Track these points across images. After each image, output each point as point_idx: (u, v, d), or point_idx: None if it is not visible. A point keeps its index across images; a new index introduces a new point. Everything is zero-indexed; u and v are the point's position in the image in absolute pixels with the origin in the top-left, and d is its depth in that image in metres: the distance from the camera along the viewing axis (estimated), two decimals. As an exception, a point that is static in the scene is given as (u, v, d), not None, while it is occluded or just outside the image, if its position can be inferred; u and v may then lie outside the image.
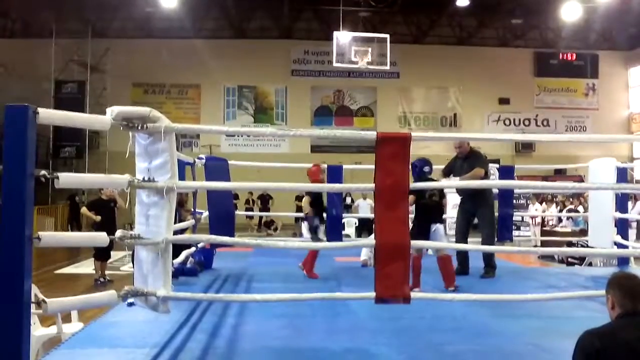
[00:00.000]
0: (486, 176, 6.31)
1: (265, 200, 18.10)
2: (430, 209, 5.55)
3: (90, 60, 19.85)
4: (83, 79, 19.92)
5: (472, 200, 6.32)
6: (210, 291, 5.43)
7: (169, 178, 3.30)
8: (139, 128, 3.24)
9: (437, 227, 5.52)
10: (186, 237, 5.19)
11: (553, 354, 3.48)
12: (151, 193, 3.35)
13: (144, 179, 3.32)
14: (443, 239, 5.62)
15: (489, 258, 6.30)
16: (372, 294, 3.49)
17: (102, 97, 19.65)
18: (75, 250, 11.56)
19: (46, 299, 2.79)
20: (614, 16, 19.28)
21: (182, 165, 5.80)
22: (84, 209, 9.28)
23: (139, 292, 3.30)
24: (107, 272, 8.91)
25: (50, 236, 2.97)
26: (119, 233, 3.30)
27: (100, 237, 3.21)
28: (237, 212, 10.20)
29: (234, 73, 21.52)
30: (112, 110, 3.21)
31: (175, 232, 3.97)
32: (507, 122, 22.73)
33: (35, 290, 2.78)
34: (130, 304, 4.09)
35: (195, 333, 3.91)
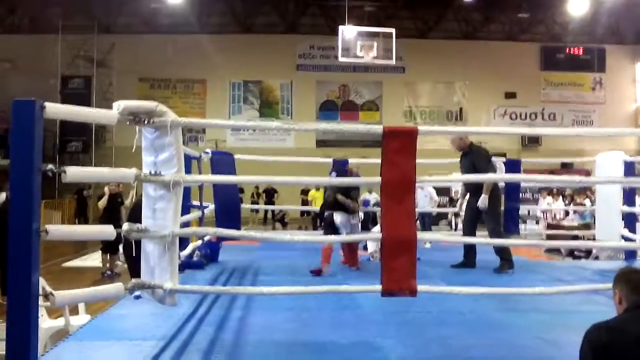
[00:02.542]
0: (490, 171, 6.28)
1: (270, 194, 18.14)
2: (327, 204, 6.50)
3: (97, 55, 19.93)
4: (89, 74, 20.00)
5: (477, 195, 6.31)
6: (217, 284, 5.44)
7: (176, 172, 3.31)
8: (146, 122, 3.25)
9: (337, 216, 6.25)
10: (192, 230, 5.21)
11: (559, 348, 3.47)
12: (158, 187, 3.36)
13: (150, 172, 3.33)
14: (342, 229, 6.20)
15: (500, 252, 6.18)
16: (379, 287, 3.50)
17: (109, 92, 19.74)
18: (82, 243, 11.63)
19: (54, 292, 2.81)
20: (621, 10, 19.11)
21: (188, 159, 5.80)
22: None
23: (146, 285, 3.32)
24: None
25: (57, 229, 2.98)
26: (125, 226, 3.32)
27: (107, 230, 3.23)
28: (243, 205, 10.22)
29: (240, 68, 21.53)
30: (119, 105, 3.22)
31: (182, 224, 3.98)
32: (513, 116, 22.64)
33: (42, 282, 2.80)
34: (137, 297, 4.12)
35: (202, 326, 3.93)
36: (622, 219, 6.80)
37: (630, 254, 7.07)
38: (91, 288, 3.35)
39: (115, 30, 20.54)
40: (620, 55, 22.98)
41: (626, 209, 6.78)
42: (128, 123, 3.26)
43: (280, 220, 18.04)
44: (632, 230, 6.81)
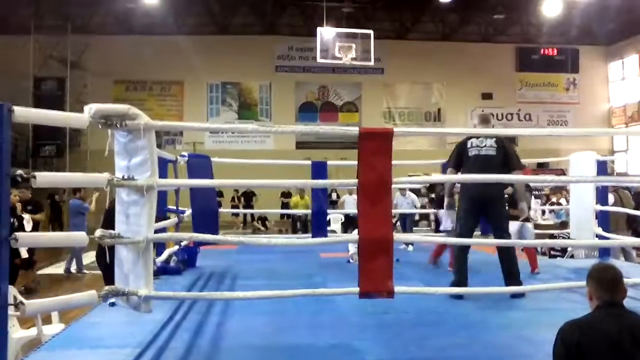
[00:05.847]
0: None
1: (248, 197, 18.02)
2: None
3: (70, 56, 19.52)
4: (63, 76, 19.58)
5: None
6: (194, 289, 5.38)
7: (149, 176, 3.26)
8: (118, 126, 3.20)
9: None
10: (168, 235, 5.14)
11: (535, 345, 3.51)
12: (131, 191, 3.30)
13: (123, 177, 3.27)
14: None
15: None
16: (356, 289, 3.50)
17: (83, 94, 19.35)
18: (57, 250, 11.39)
19: (25, 301, 2.74)
20: (594, 11, 19.51)
21: (164, 163, 5.74)
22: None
23: (120, 292, 3.26)
24: (86, 271, 8.87)
25: (28, 237, 2.92)
26: (98, 232, 3.25)
27: (79, 237, 3.16)
28: (222, 209, 10.14)
29: (218, 69, 21.36)
30: (90, 108, 3.17)
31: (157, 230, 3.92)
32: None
33: (14, 291, 2.73)
34: (112, 304, 4.05)
35: (178, 332, 3.88)
36: (596, 218, 6.93)
37: (603, 252, 7.20)
38: (63, 296, 3.28)
39: (89, 31, 20.15)
40: (593, 56, 23.45)
41: (599, 207, 6.91)
42: (100, 126, 3.20)
43: (262, 220, 17.96)
44: (606, 228, 6.93)
